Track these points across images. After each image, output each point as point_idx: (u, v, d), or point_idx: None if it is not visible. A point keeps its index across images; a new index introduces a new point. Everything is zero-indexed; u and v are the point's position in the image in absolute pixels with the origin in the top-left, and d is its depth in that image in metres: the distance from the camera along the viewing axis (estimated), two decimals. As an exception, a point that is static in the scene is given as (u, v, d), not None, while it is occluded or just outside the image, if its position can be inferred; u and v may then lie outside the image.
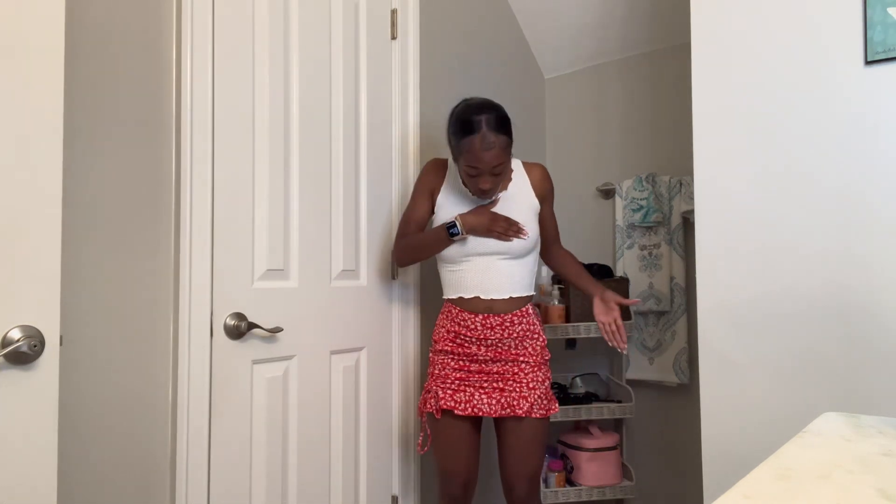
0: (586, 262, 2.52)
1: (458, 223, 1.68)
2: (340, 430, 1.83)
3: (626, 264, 2.56)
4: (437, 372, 1.75)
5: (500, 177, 1.66)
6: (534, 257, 1.80)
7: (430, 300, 2.17)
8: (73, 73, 1.27)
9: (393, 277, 2.04)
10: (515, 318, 1.72)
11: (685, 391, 2.44)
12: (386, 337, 2.01)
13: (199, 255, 1.48)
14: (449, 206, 1.77)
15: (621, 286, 2.39)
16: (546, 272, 2.45)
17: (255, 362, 1.62)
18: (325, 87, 1.83)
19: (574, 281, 1.91)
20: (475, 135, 1.59)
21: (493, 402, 1.70)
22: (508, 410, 1.68)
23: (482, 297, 1.72)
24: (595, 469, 2.30)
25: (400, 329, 2.04)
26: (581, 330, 2.30)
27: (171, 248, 1.46)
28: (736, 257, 1.58)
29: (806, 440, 0.81)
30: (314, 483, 1.75)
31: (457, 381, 1.72)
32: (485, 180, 1.63)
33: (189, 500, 1.44)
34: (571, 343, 2.62)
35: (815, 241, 1.49)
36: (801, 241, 1.50)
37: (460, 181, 1.75)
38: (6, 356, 1.00)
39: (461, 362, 1.73)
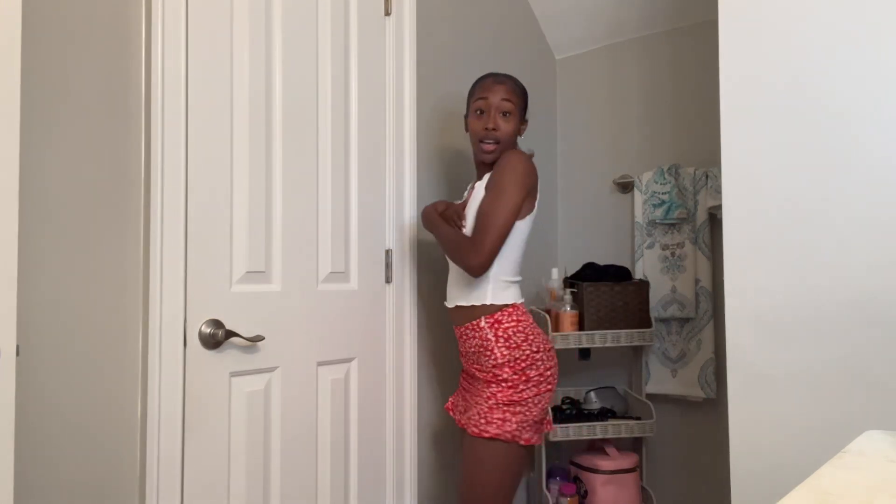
0: (601, 263, 2.53)
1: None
2: (328, 450, 1.83)
3: (645, 266, 2.56)
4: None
5: (508, 126, 1.80)
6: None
7: (428, 306, 2.17)
8: (31, 52, 1.27)
9: (387, 281, 2.04)
10: (468, 330, 1.80)
11: (712, 407, 2.44)
12: (379, 346, 2.01)
13: (171, 256, 1.48)
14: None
15: (641, 290, 2.39)
16: (556, 273, 2.45)
17: (234, 374, 1.61)
18: (311, 68, 1.82)
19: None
20: (488, 75, 1.88)
21: (463, 409, 1.85)
22: (464, 422, 1.79)
23: (448, 304, 1.88)
24: (612, 493, 2.30)
25: (395, 337, 2.04)
26: (596, 339, 2.30)
27: (139, 249, 1.46)
28: (768, 258, 1.58)
29: (846, 461, 0.81)
30: (299, 509, 1.75)
31: (460, 386, 1.93)
32: (492, 118, 1.79)
33: (160, 528, 1.44)
34: (585, 353, 2.62)
35: (857, 241, 1.48)
36: (841, 240, 1.50)
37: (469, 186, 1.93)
38: (-44, 368, 1.00)
39: (463, 368, 1.93)
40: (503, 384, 1.71)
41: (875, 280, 1.46)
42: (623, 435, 2.32)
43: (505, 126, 1.80)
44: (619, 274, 2.44)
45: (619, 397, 2.53)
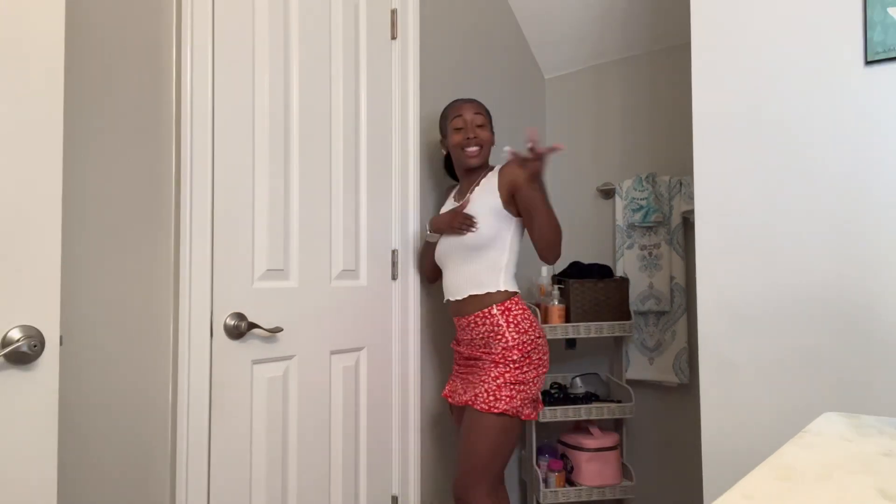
0: (586, 262, 2.53)
1: (428, 225, 1.96)
2: (340, 430, 1.83)
3: (626, 264, 2.56)
4: (453, 368, 1.98)
5: (484, 134, 1.90)
6: (495, 254, 1.81)
7: (430, 301, 2.17)
8: (73, 72, 1.27)
9: (393, 278, 2.04)
10: (479, 318, 1.82)
11: (685, 391, 2.44)
12: (386, 337, 2.01)
13: (198, 255, 1.48)
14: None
15: (621, 286, 2.39)
16: (546, 271, 2.45)
17: (255, 362, 1.62)
18: (325, 86, 1.83)
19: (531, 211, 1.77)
20: (457, 100, 1.99)
21: (463, 391, 1.85)
22: (470, 401, 1.77)
23: (451, 298, 1.90)
24: (595, 469, 2.30)
25: (400, 329, 2.04)
26: (581, 330, 2.30)
27: (171, 248, 1.46)
28: (736, 257, 1.58)
29: (806, 440, 0.81)
30: (314, 483, 1.75)
31: (456, 374, 1.95)
32: (471, 130, 1.89)
33: (189, 500, 1.44)
34: (571, 343, 2.62)
35: (816, 241, 1.49)
36: (802, 240, 1.50)
37: (451, 196, 2.02)
38: (6, 356, 1.00)
39: (460, 357, 1.94)
40: (510, 365, 1.75)
41: (832, 275, 1.47)
42: (605, 416, 2.32)
43: (482, 133, 1.91)
44: (601, 272, 2.44)
45: (601, 383, 2.53)
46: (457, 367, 1.95)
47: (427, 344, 2.16)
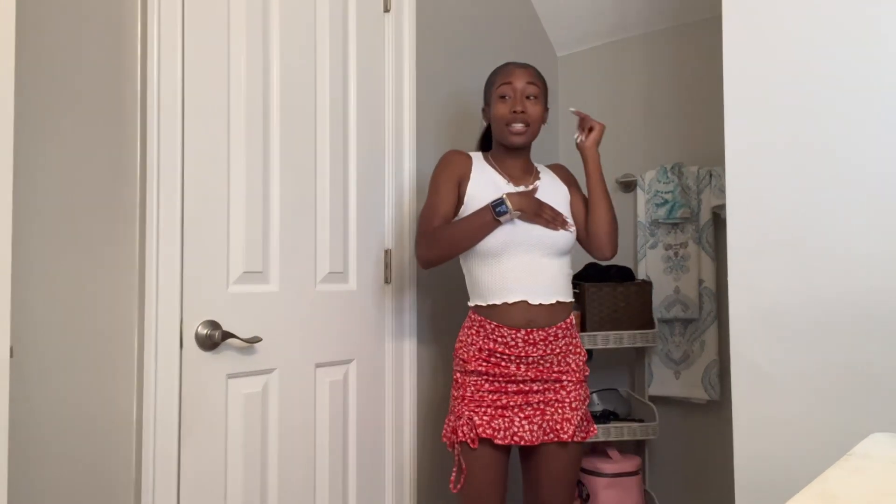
0: (604, 264, 2.53)
1: (505, 200, 1.68)
2: (327, 453, 1.83)
3: (648, 266, 2.56)
4: (468, 395, 1.71)
5: (535, 109, 1.78)
6: (569, 260, 1.83)
7: (429, 306, 2.17)
8: (25, 49, 1.27)
9: (386, 281, 2.04)
10: (560, 330, 1.74)
11: (715, 409, 2.44)
12: (378, 348, 2.01)
13: (166, 256, 1.48)
14: (484, 195, 1.74)
15: (643, 291, 2.39)
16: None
17: (231, 376, 1.61)
18: (309, 65, 1.83)
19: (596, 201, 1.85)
20: (508, 63, 1.85)
21: (535, 427, 1.70)
22: (552, 435, 1.70)
23: (530, 301, 1.71)
24: (614, 497, 2.30)
25: (394, 339, 2.04)
26: (598, 340, 2.30)
27: (135, 249, 1.46)
28: (773, 258, 1.58)
29: (852, 464, 0.81)
30: (297, 512, 1.75)
31: (494, 406, 1.70)
32: (519, 102, 1.75)
33: (156, 532, 1.45)
34: (587, 355, 2.62)
35: (864, 241, 1.48)
36: (848, 239, 1.50)
37: (490, 170, 1.82)
38: (-51, 369, 1.00)
39: (497, 384, 1.71)
40: (586, 381, 1.79)
41: (883, 280, 1.46)
42: (625, 437, 2.32)
43: (533, 109, 1.78)
44: (621, 274, 2.44)
45: (621, 399, 2.53)
46: (497, 398, 1.70)
47: (425, 355, 2.16)
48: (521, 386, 1.71)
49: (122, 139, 1.45)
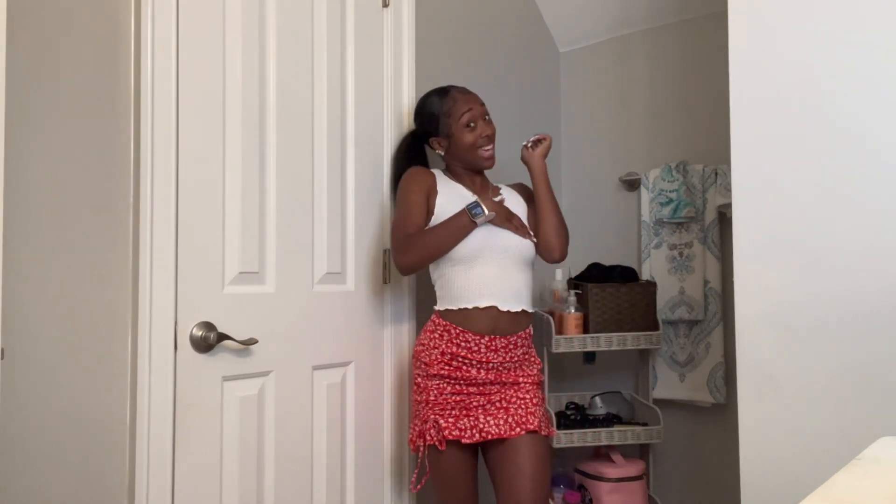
0: (607, 264, 2.53)
1: (480, 203, 1.77)
2: (324, 457, 1.83)
3: (652, 266, 2.56)
4: (432, 399, 1.79)
5: (493, 127, 1.90)
6: (533, 275, 1.94)
7: (428, 308, 2.17)
8: (14, 45, 1.27)
9: (385, 281, 2.04)
10: (519, 339, 1.83)
11: (721, 412, 2.44)
12: (377, 350, 2.01)
13: (160, 257, 1.48)
14: (453, 206, 1.82)
15: (647, 292, 2.39)
16: (560, 274, 2.45)
17: (226, 379, 1.61)
18: (306, 61, 1.83)
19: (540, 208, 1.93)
20: (452, 89, 1.92)
21: (501, 422, 1.77)
22: (519, 429, 1.75)
23: (500, 307, 1.79)
24: (618, 502, 2.30)
25: (393, 341, 2.04)
26: (601, 342, 2.30)
27: (128, 249, 1.46)
28: (780, 258, 1.58)
29: (861, 468, 0.80)
30: (294, 518, 1.75)
31: (456, 407, 1.78)
32: (486, 124, 1.87)
33: (150, 538, 1.44)
34: (590, 357, 2.62)
35: (873, 241, 1.48)
36: (857, 239, 1.50)
37: (455, 184, 1.92)
38: (-62, 372, 1.00)
39: (458, 386, 1.79)
40: (541, 386, 1.88)
41: (890, 279, 1.46)
42: (629, 441, 2.32)
43: (492, 129, 1.91)
44: (625, 274, 2.43)
45: (625, 402, 2.53)
46: (460, 399, 1.77)
47: (424, 358, 2.16)
48: (481, 388, 1.79)
49: (116, 138, 1.45)
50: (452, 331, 1.79)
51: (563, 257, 1.92)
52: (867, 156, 1.49)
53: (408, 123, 2.10)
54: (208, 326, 1.57)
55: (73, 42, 1.38)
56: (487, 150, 1.88)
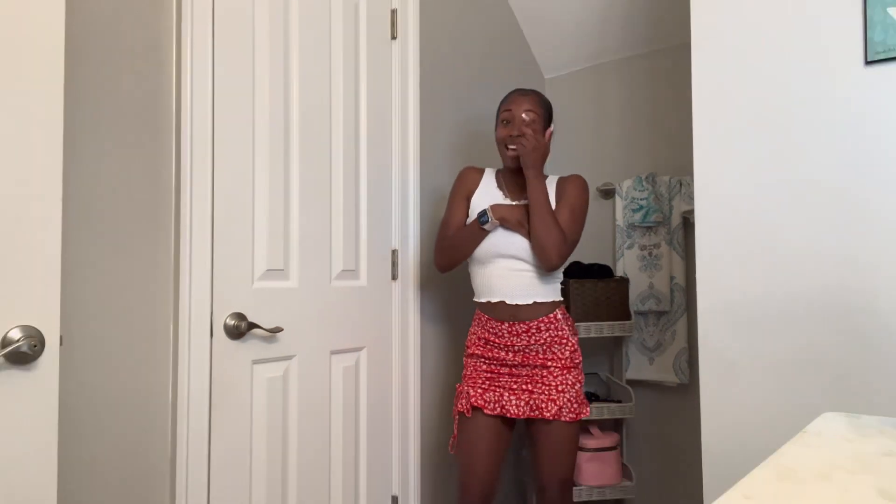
0: (586, 262, 2.53)
1: (487, 211, 1.73)
2: (340, 430, 1.83)
3: (626, 264, 2.56)
4: (468, 374, 1.82)
5: (533, 132, 1.74)
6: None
7: (430, 301, 2.17)
8: (73, 72, 1.27)
9: (393, 278, 2.04)
10: (542, 324, 1.75)
11: (685, 391, 2.44)
12: (386, 337, 2.01)
13: (199, 255, 1.48)
14: (483, 205, 1.79)
15: (621, 286, 2.39)
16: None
17: (255, 362, 1.62)
18: (325, 86, 1.83)
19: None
20: (514, 91, 1.84)
21: (522, 403, 1.73)
22: (536, 412, 1.72)
23: (507, 301, 1.75)
24: (595, 469, 2.30)
25: (400, 329, 2.04)
26: (581, 330, 2.30)
27: (171, 248, 1.46)
28: (736, 257, 1.58)
29: (806, 440, 0.81)
30: (314, 483, 1.75)
31: (487, 381, 1.78)
32: (517, 126, 1.76)
33: (189, 500, 1.44)
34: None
35: (816, 242, 1.49)
36: (802, 241, 1.50)
37: (493, 185, 1.85)
38: (6, 356, 1.00)
39: (491, 365, 1.79)
40: (579, 368, 1.78)
41: (832, 275, 1.47)
42: (605, 416, 2.32)
43: (531, 134, 1.73)
44: (602, 272, 2.44)
45: (601, 383, 2.53)
46: (491, 376, 1.77)
47: (427, 343, 2.16)
48: (512, 369, 1.76)
49: (160, 151, 1.45)
50: (482, 318, 1.81)
51: (552, 266, 1.71)
52: (812, 167, 1.50)
53: (413, 139, 2.10)
54: (240, 316, 1.57)
55: (122, 70, 1.38)
56: (511, 148, 1.77)
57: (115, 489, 1.35)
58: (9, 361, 1.01)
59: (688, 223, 2.42)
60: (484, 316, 1.80)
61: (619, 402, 2.38)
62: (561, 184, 1.84)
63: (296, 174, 1.73)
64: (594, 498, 2.28)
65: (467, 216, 1.83)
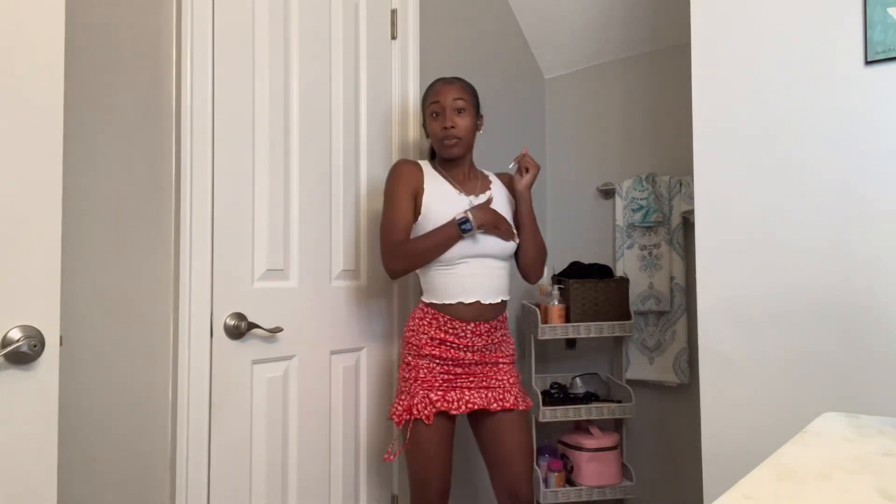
0: (586, 262, 2.53)
1: (469, 217, 1.64)
2: (340, 430, 1.83)
3: (626, 264, 2.56)
4: (422, 376, 1.68)
5: (464, 122, 1.72)
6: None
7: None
8: (73, 71, 1.27)
9: (392, 278, 2.03)
10: (499, 323, 1.76)
11: (685, 391, 2.44)
12: (385, 337, 2.01)
13: (199, 255, 1.48)
14: (439, 206, 1.70)
15: (621, 286, 2.39)
16: (546, 272, 2.45)
17: (255, 362, 1.61)
18: (325, 86, 1.83)
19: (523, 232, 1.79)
20: (438, 80, 1.79)
21: (482, 396, 1.70)
22: (496, 405, 1.70)
23: (483, 301, 1.70)
24: (595, 469, 2.30)
25: (399, 329, 2.04)
26: (581, 330, 2.30)
27: (171, 248, 1.46)
28: (736, 257, 1.58)
29: (806, 440, 0.81)
30: (314, 482, 1.75)
31: (445, 383, 1.69)
32: (449, 118, 1.70)
33: (189, 500, 1.44)
34: (571, 343, 2.62)
35: (816, 241, 1.48)
36: (802, 240, 1.50)
37: (440, 179, 1.76)
38: (6, 356, 1.00)
39: (447, 366, 1.70)
40: (515, 363, 1.81)
41: (832, 275, 1.46)
42: (605, 416, 2.32)
43: (462, 122, 1.71)
44: (602, 272, 2.44)
45: (601, 382, 2.53)
46: (448, 377, 1.69)
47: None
48: (467, 368, 1.70)
49: (160, 151, 1.45)
50: (441, 318, 1.70)
51: (537, 281, 1.87)
52: (812, 167, 1.50)
53: (413, 139, 2.10)
54: (240, 317, 1.56)
55: (122, 70, 1.38)
56: (449, 141, 1.71)
57: (115, 489, 1.35)
58: (9, 361, 1.01)
59: (688, 223, 2.41)
60: (444, 317, 1.69)
61: (619, 402, 2.38)
62: (506, 182, 1.86)
63: (296, 174, 1.73)
64: (594, 498, 2.28)
65: (415, 215, 1.72)
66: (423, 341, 1.70)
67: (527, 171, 1.75)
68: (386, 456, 1.73)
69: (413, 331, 1.73)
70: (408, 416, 1.66)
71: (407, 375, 1.71)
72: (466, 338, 1.70)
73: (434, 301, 1.72)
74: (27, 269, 1.03)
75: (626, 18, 2.54)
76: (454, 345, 1.70)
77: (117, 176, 1.37)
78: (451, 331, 1.70)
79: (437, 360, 1.70)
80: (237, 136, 1.58)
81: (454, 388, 1.69)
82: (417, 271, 1.77)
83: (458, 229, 1.65)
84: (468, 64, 2.43)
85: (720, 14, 1.62)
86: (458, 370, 1.70)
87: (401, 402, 1.69)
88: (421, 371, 1.69)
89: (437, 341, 1.70)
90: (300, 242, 1.74)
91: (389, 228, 1.70)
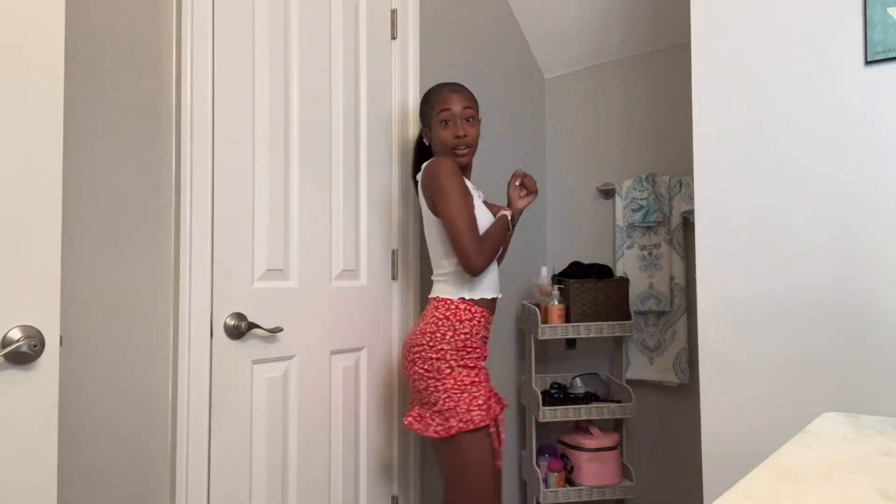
0: (586, 262, 2.53)
1: (516, 217, 1.81)
2: (340, 430, 1.83)
3: (626, 264, 2.56)
4: (480, 380, 1.64)
5: (473, 129, 1.76)
6: None
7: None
8: (73, 71, 1.27)
9: (393, 278, 2.04)
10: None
11: (685, 391, 2.44)
12: (386, 337, 2.01)
13: (199, 255, 1.48)
14: (478, 206, 1.74)
15: (621, 286, 2.39)
16: (545, 271, 2.45)
17: (255, 362, 1.61)
18: (325, 86, 1.83)
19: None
20: (443, 86, 1.80)
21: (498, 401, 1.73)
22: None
23: (499, 296, 1.79)
24: (595, 469, 2.30)
25: (400, 329, 2.04)
26: (581, 330, 2.30)
27: (171, 248, 1.46)
28: (736, 257, 1.58)
29: (806, 440, 0.81)
30: (314, 483, 1.75)
31: (487, 381, 1.69)
32: (461, 127, 1.73)
33: (189, 500, 1.44)
34: (571, 343, 2.62)
35: (816, 242, 1.49)
36: (802, 241, 1.50)
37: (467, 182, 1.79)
38: (6, 356, 1.00)
39: (482, 360, 1.72)
40: None
41: (832, 275, 1.46)
42: (605, 416, 2.32)
43: (472, 131, 1.75)
44: (602, 272, 2.44)
45: (601, 382, 2.53)
46: (487, 375, 1.70)
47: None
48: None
49: (160, 152, 1.45)
50: (487, 316, 1.72)
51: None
52: (812, 166, 1.50)
53: (413, 139, 2.10)
54: (240, 317, 1.57)
55: (122, 71, 1.38)
56: (461, 150, 1.74)
57: (115, 489, 1.35)
58: (9, 361, 1.01)
59: (688, 223, 2.41)
60: (488, 314, 1.73)
61: (619, 402, 2.38)
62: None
63: (296, 174, 1.73)
64: (594, 498, 2.28)
65: None
66: (478, 343, 1.69)
67: (528, 193, 1.86)
68: (496, 463, 1.64)
69: (468, 335, 1.67)
70: (490, 420, 1.61)
71: (475, 379, 1.64)
72: (490, 333, 1.77)
73: (485, 296, 1.72)
74: (27, 269, 1.03)
75: (627, 18, 2.54)
76: (487, 340, 1.76)
77: (117, 176, 1.37)
78: (488, 326, 1.74)
79: (482, 359, 1.71)
80: (237, 136, 1.58)
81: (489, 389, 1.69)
82: (449, 265, 1.73)
83: (510, 226, 1.77)
84: (468, 64, 2.43)
85: (720, 14, 1.62)
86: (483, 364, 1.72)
87: (479, 407, 1.60)
88: (480, 375, 1.66)
89: (483, 339, 1.73)
90: (300, 242, 1.74)
91: (471, 225, 1.65)
